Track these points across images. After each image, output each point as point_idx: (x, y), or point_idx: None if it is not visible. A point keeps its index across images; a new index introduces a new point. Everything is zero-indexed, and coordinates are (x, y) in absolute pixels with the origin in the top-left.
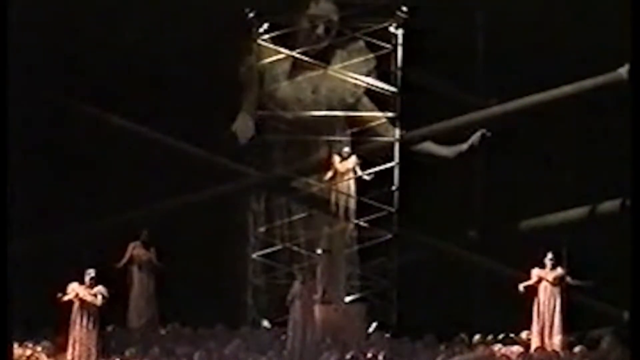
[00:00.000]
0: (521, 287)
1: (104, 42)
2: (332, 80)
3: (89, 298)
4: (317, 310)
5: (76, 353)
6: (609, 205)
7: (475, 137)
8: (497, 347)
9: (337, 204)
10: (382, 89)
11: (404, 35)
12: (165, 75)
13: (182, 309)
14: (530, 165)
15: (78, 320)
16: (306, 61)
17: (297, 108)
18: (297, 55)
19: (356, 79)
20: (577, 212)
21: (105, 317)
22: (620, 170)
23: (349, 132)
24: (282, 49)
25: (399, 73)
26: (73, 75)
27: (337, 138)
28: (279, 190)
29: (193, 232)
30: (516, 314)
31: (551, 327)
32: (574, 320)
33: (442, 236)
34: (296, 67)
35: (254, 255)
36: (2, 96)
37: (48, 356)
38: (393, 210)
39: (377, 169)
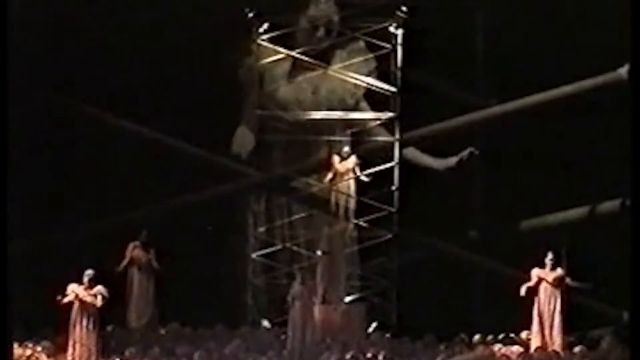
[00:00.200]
0: (522, 290)
1: (104, 42)
2: (332, 81)
3: (88, 299)
4: (317, 310)
5: (76, 353)
6: (609, 205)
7: (464, 154)
8: (497, 347)
9: (337, 204)
10: (382, 89)
11: (404, 35)
12: (165, 75)
13: (182, 309)
14: (530, 166)
15: (78, 321)
16: (306, 61)
17: (297, 109)
18: (297, 56)
19: (356, 79)
20: (577, 212)
21: (105, 317)
22: (620, 170)
23: (348, 132)
24: (282, 49)
25: (399, 73)
26: (73, 75)
27: (337, 138)
28: (279, 190)
29: (193, 232)
30: (516, 314)
31: (551, 327)
32: (574, 320)
33: (442, 236)
34: (296, 67)
35: (254, 255)
36: (2, 96)
37: (48, 356)
38: (393, 210)
39: (377, 168)
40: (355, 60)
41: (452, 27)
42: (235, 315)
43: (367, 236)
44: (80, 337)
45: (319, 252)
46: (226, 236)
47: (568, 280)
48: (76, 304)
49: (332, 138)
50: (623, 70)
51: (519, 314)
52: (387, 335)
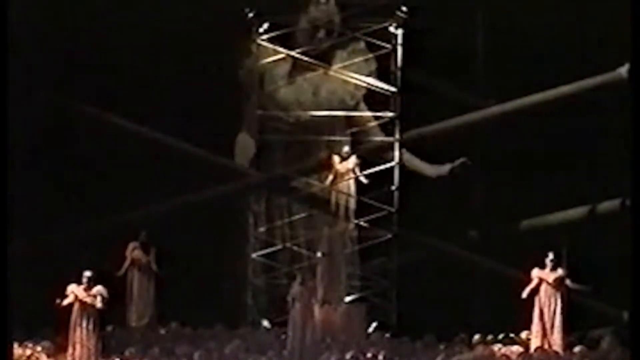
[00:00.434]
0: (525, 293)
1: (104, 42)
2: (333, 82)
3: (88, 300)
4: (317, 310)
5: (76, 354)
6: (609, 205)
7: (457, 163)
8: (497, 347)
9: (337, 204)
10: (382, 89)
11: (404, 35)
12: (166, 75)
13: (182, 309)
14: (530, 166)
15: (78, 322)
16: (306, 61)
17: (298, 110)
18: (297, 56)
19: (356, 79)
20: (577, 212)
21: (105, 317)
22: (620, 170)
23: (348, 132)
24: (282, 49)
25: (399, 73)
26: (73, 75)
27: (337, 138)
28: (279, 190)
29: (193, 232)
30: (516, 314)
31: (551, 327)
32: (574, 320)
33: (442, 236)
34: (296, 68)
35: (254, 255)
36: (2, 96)
37: (48, 356)
38: (393, 210)
39: (377, 168)
40: (355, 60)
41: (452, 27)
42: (235, 315)
43: (367, 236)
44: (81, 338)
45: (319, 254)
46: (226, 236)
47: (568, 282)
48: (76, 305)
49: (332, 138)
50: (623, 70)
51: (519, 314)
52: (387, 335)
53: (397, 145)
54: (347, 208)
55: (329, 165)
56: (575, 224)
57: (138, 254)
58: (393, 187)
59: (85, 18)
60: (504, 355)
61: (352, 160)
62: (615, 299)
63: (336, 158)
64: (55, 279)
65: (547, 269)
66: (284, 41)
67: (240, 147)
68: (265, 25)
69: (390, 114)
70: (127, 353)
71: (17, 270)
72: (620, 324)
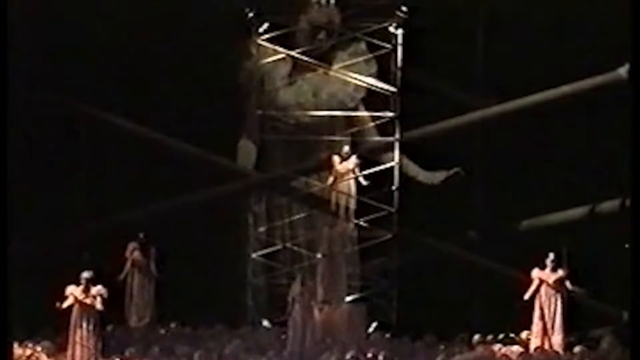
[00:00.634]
0: (527, 296)
1: (104, 43)
2: (333, 85)
3: (88, 301)
4: (317, 310)
5: (77, 354)
6: (609, 205)
7: (451, 173)
8: (497, 347)
9: (337, 204)
10: (382, 89)
11: (404, 35)
12: (165, 75)
13: (182, 309)
14: (530, 166)
15: (78, 324)
16: (307, 61)
17: (298, 111)
18: (298, 56)
19: (356, 79)
20: (577, 212)
21: (105, 317)
22: (620, 170)
23: (348, 132)
24: (282, 49)
25: (399, 73)
26: (73, 74)
27: (337, 138)
28: (279, 190)
29: (193, 232)
30: (516, 314)
31: (551, 327)
32: (574, 320)
33: (442, 236)
34: (297, 69)
35: (254, 255)
36: (2, 96)
37: (48, 356)
38: (393, 210)
39: (377, 168)
40: (355, 60)
41: (452, 27)
42: (235, 315)
43: (367, 236)
44: (81, 339)
45: (319, 255)
46: (226, 236)
47: (568, 283)
48: (76, 306)
49: (332, 138)
50: (623, 70)
51: (519, 314)
52: (387, 335)
53: (397, 145)
54: (347, 208)
55: (329, 166)
56: (575, 224)
57: (138, 254)
58: (393, 187)
59: (85, 18)
60: (504, 355)
61: (352, 160)
62: (615, 299)
63: (336, 158)
64: (55, 279)
65: (548, 270)
66: (284, 43)
67: (242, 154)
68: (265, 25)
69: (390, 114)
70: (127, 353)
71: (17, 271)
72: (620, 324)
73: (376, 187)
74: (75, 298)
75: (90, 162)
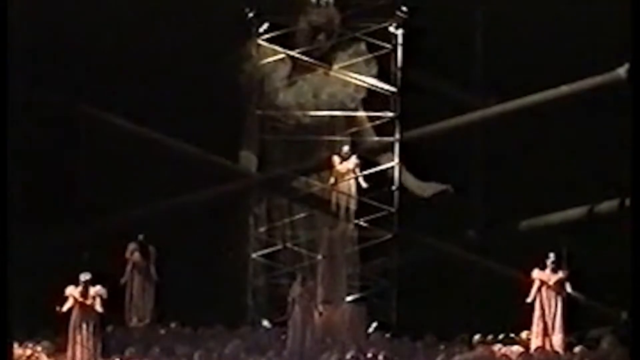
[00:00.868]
0: (529, 298)
1: (104, 42)
2: (333, 85)
3: (87, 302)
4: (317, 310)
5: (77, 355)
6: (609, 205)
7: (439, 190)
8: (497, 347)
9: (337, 205)
10: (382, 89)
11: (404, 35)
12: (165, 75)
13: (182, 309)
14: (530, 165)
15: (78, 325)
16: (307, 62)
17: (298, 112)
18: (298, 56)
19: (356, 79)
20: (577, 212)
21: (105, 317)
22: (620, 170)
23: (348, 132)
24: (282, 50)
25: (399, 73)
26: (73, 75)
27: (337, 138)
28: (279, 190)
29: (193, 232)
30: (516, 314)
31: (552, 327)
32: (574, 320)
33: (442, 236)
34: (297, 69)
35: (254, 256)
36: (2, 96)
37: (48, 356)
38: (393, 210)
39: (377, 168)
40: (355, 60)
41: (452, 27)
42: (235, 315)
43: (367, 236)
44: (81, 340)
45: (319, 256)
46: (226, 236)
47: (567, 285)
48: (76, 308)
49: (332, 138)
50: (622, 70)
51: (519, 314)
52: (387, 335)
53: (397, 145)
54: (347, 208)
55: (329, 166)
56: (575, 224)
57: (137, 256)
58: (393, 187)
59: (85, 18)
60: (504, 355)
61: (353, 160)
62: (615, 299)
63: (336, 158)
64: (55, 279)
65: (548, 270)
66: (284, 43)
67: (243, 165)
68: (265, 26)
69: (390, 114)
70: (127, 353)
71: (17, 271)
72: (620, 324)
73: (376, 187)
74: (75, 299)
75: (90, 162)
